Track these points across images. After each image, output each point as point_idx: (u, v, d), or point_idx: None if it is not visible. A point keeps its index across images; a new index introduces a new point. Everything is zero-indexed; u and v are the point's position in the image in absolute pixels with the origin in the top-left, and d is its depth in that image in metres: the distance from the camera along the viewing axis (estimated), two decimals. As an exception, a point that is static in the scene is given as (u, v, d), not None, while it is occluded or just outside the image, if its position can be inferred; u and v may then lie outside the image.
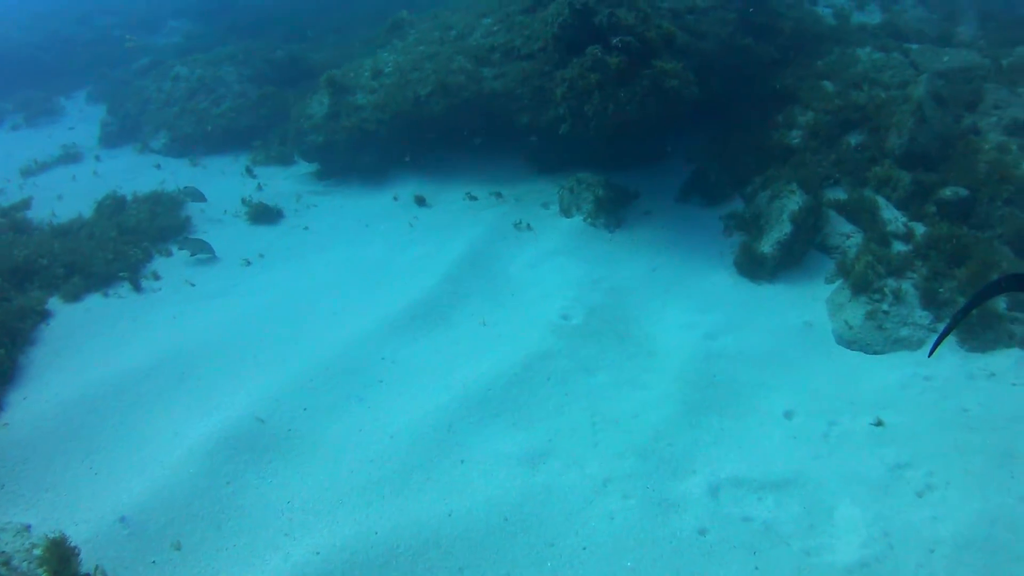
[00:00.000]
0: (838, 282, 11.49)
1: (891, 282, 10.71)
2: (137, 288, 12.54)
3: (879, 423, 9.00)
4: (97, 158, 20.22)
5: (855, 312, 10.64)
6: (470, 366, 10.14)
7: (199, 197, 15.33)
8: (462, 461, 8.64)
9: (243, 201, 15.51)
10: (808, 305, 11.41)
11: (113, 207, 15.24)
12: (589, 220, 13.66)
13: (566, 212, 13.98)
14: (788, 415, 9.27)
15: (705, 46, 14.17)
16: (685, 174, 14.81)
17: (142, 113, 21.19)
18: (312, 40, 25.09)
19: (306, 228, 14.61)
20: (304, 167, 17.36)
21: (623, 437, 8.95)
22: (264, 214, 15.05)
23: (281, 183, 17.05)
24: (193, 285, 12.70)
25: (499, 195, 14.93)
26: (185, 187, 15.68)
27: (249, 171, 17.95)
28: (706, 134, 15.40)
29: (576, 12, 12.70)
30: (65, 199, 16.73)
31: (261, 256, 13.62)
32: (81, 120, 23.63)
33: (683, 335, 10.79)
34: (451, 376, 9.97)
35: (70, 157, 20.37)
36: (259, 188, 16.61)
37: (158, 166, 18.93)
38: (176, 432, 9.00)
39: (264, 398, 9.41)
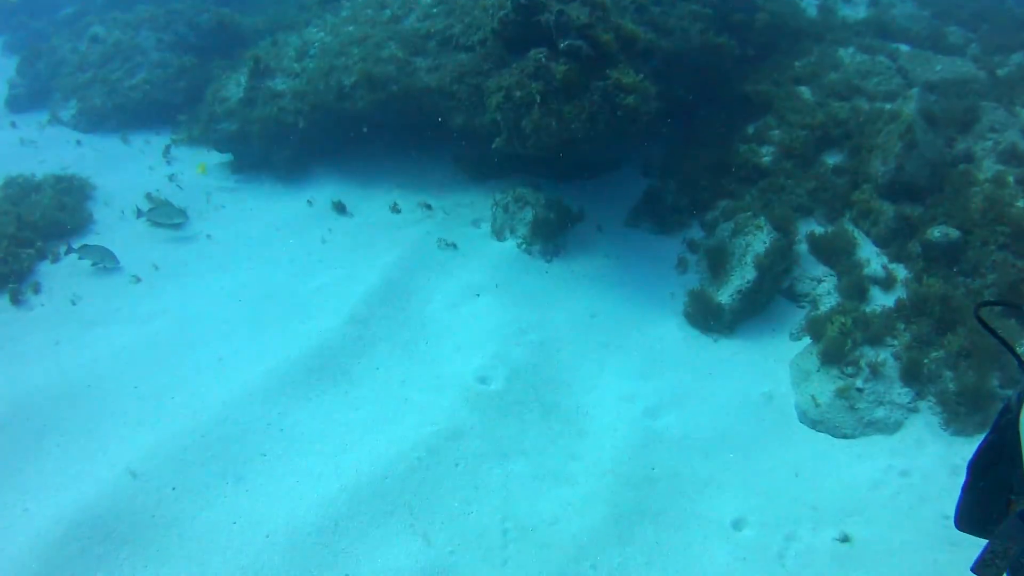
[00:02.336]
0: (805, 341, 9.96)
1: (868, 352, 9.21)
2: (16, 302, 11.10)
3: (845, 539, 7.65)
4: (13, 124, 17.86)
5: (823, 386, 9.17)
6: (367, 443, 8.65)
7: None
8: (346, 577, 7.09)
9: (147, 197, 13.74)
10: (769, 368, 9.92)
11: (19, 193, 13.52)
12: (524, 246, 11.99)
13: (498, 234, 12.32)
14: (737, 525, 7.85)
15: (671, 45, 12.42)
16: (639, 191, 13.16)
17: (53, 77, 19.03)
18: (255, 5, 22.72)
19: (209, 236, 12.85)
20: (216, 156, 15.45)
21: (538, 554, 7.50)
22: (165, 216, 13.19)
23: (191, 173, 15.13)
24: (74, 304, 11.12)
25: (428, 207, 13.21)
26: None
27: (167, 153, 15.96)
28: (666, 143, 13.63)
29: (520, 7, 10.91)
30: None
31: (155, 269, 11.93)
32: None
33: (620, 409, 9.26)
34: (344, 455, 8.50)
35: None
36: (170, 179, 14.70)
37: (79, 142, 16.81)
38: (25, 509, 7.72)
39: (129, 471, 8.06)
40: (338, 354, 9.88)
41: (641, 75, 10.59)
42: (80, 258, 11.86)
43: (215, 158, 15.36)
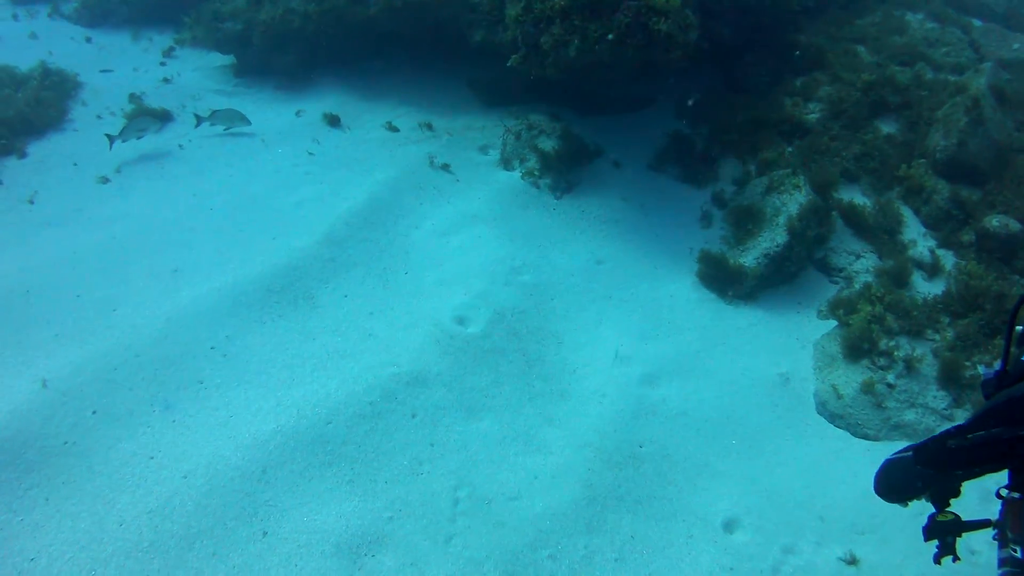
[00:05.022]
0: (834, 322, 8.64)
1: (905, 344, 7.89)
2: None
3: (852, 560, 6.42)
4: (15, 16, 17.02)
5: (849, 376, 7.94)
6: (316, 380, 7.53)
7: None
8: (264, 534, 6.17)
9: (130, 97, 12.61)
10: (790, 347, 8.66)
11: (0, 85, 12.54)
12: (532, 178, 10.71)
13: (506, 163, 11.08)
14: (729, 527, 6.67)
15: (720, -23, 11.01)
16: (668, 133, 11.76)
17: (59, -34, 17.92)
18: None
19: (191, 140, 11.70)
20: (219, 58, 14.30)
21: (490, 533, 6.36)
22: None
23: (190, 74, 14.08)
24: (32, 203, 10.12)
25: (433, 128, 11.96)
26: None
27: (169, 53, 15.01)
28: (705, 86, 12.26)
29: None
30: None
31: (126, 171, 10.87)
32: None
33: (613, 372, 8.04)
34: (288, 391, 7.39)
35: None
36: (165, 81, 13.59)
37: (88, 40, 15.81)
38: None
39: (49, 388, 7.11)
40: (304, 276, 8.75)
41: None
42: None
43: (219, 60, 14.19)
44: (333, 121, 12.18)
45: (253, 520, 6.22)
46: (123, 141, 11.17)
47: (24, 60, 13.19)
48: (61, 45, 15.12)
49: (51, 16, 17.02)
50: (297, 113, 12.52)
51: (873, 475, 4.27)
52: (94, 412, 6.96)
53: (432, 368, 7.70)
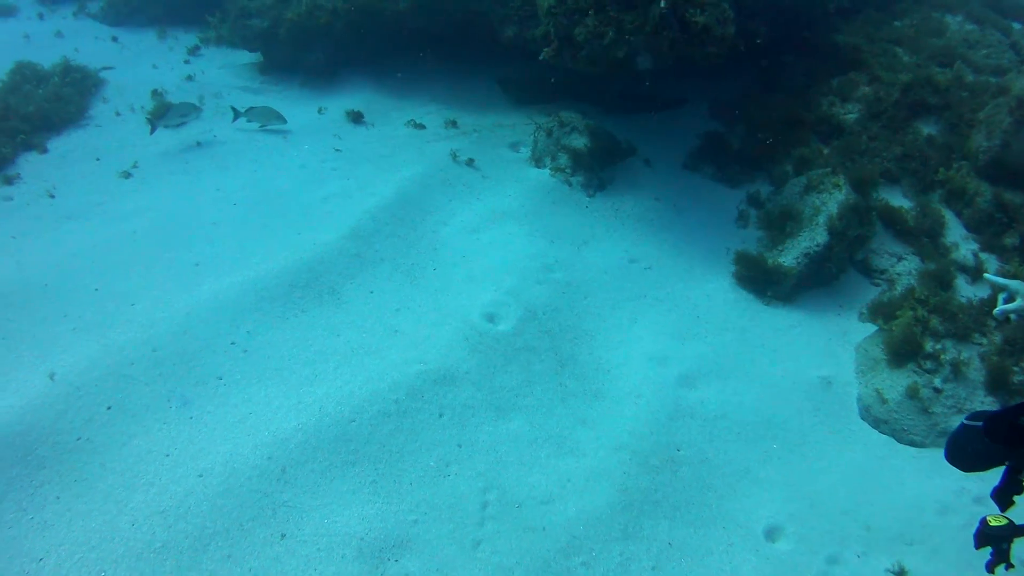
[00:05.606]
0: (877, 325, 8.31)
1: (951, 347, 7.53)
2: None
3: (901, 572, 6.07)
4: (41, 16, 17.09)
5: (894, 380, 7.59)
6: (340, 377, 7.23)
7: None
8: (283, 536, 5.87)
9: (153, 94, 12.43)
10: (832, 350, 8.33)
11: (21, 81, 12.36)
12: (563, 176, 10.42)
13: (538, 160, 10.80)
14: (771, 535, 6.33)
15: (756, -26, 10.69)
16: (703, 132, 11.51)
17: (88, -34, 17.90)
18: None
19: (215, 136, 11.52)
20: (246, 56, 14.12)
21: (520, 539, 6.05)
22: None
23: (216, 72, 13.92)
24: (53, 197, 9.88)
25: (462, 125, 11.75)
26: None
27: (194, 52, 14.92)
28: (740, 85, 11.96)
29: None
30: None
31: (149, 166, 10.67)
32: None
33: (649, 372, 7.72)
34: (310, 388, 7.09)
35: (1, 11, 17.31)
36: (189, 79, 13.42)
37: (115, 39, 15.71)
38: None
39: (63, 383, 6.82)
40: (329, 270, 8.49)
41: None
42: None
43: (245, 57, 14.05)
44: (359, 118, 11.95)
45: (271, 521, 5.94)
46: (165, 127, 11.15)
47: (49, 58, 13.00)
48: (86, 43, 15.04)
49: (76, 15, 17.02)
50: (320, 111, 12.29)
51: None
52: (109, 408, 6.69)
53: (461, 366, 7.41)
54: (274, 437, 6.52)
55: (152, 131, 11.06)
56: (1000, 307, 4.44)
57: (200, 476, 6.19)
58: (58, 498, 5.98)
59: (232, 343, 7.47)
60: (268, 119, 11.54)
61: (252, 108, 11.58)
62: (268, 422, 6.68)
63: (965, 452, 3.96)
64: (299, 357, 7.41)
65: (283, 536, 5.85)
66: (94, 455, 6.32)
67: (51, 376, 6.85)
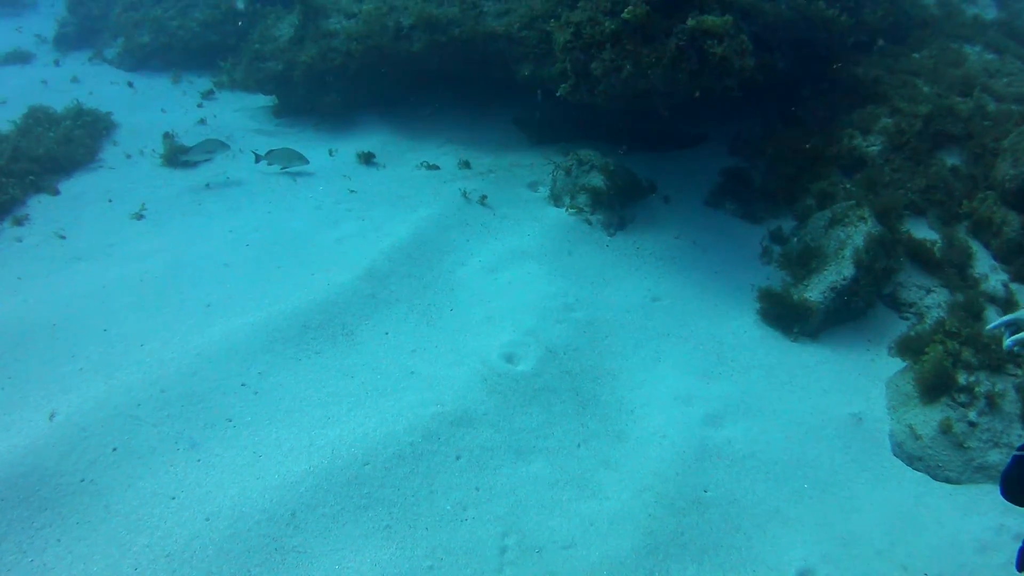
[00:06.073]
0: (907, 360, 8.05)
1: (985, 380, 7.24)
2: None
3: (941, 613, 5.66)
4: (57, 63, 17.30)
5: (927, 415, 7.30)
6: (353, 419, 6.99)
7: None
8: (292, 584, 5.46)
9: (164, 136, 12.30)
10: (861, 386, 8.05)
11: (33, 124, 12.37)
12: (583, 215, 10.23)
13: (556, 199, 10.64)
14: (805, 578, 5.91)
15: (774, 9, 10.53)
16: (723, 169, 11.38)
17: (105, 15, 18.16)
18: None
19: (228, 178, 11.43)
20: (261, 99, 14.10)
21: (541, 585, 5.66)
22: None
23: (230, 115, 13.92)
24: (64, 238, 9.81)
25: (481, 164, 11.67)
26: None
27: (208, 96, 14.89)
28: (760, 120, 11.79)
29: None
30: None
31: (158, 209, 10.57)
32: (51, 17, 20.14)
33: (674, 412, 7.45)
34: (323, 430, 6.86)
35: (17, 57, 17.59)
36: (201, 122, 13.36)
37: (130, 84, 15.82)
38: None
39: (68, 424, 6.62)
40: (344, 311, 8.30)
41: (730, 17, 8.74)
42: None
43: (259, 101, 14.02)
44: (373, 159, 11.87)
45: (280, 567, 5.69)
46: (190, 162, 11.22)
47: (64, 102, 13.11)
48: (102, 88, 15.15)
49: (92, 60, 17.21)
50: (331, 152, 12.22)
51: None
52: (114, 449, 6.50)
53: (478, 407, 7.17)
54: (284, 480, 6.28)
55: (177, 164, 11.24)
56: (1008, 341, 4.18)
57: (207, 520, 5.96)
58: (59, 540, 5.77)
59: (242, 384, 7.27)
60: (290, 160, 11.42)
61: (272, 150, 11.47)
62: (278, 465, 6.45)
63: (1017, 486, 3.73)
64: (311, 399, 7.20)
65: (293, 585, 5.59)
66: (98, 497, 6.12)
67: (55, 416, 6.69)
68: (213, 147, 11.45)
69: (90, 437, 6.57)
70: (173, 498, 6.15)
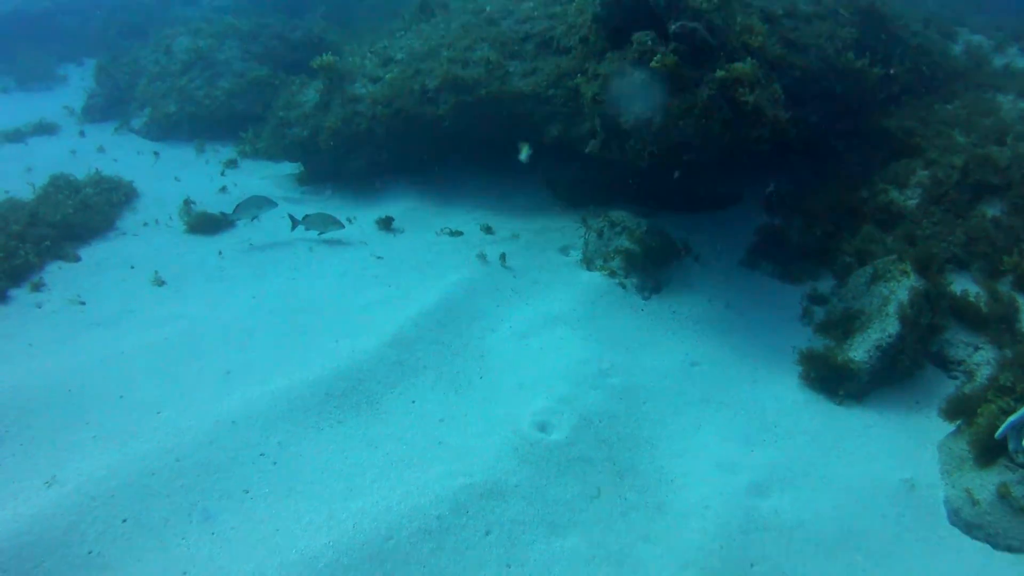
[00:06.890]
0: (959, 421, 7.61)
1: (1045, 441, 6.84)
2: (2, 299, 9.64)
3: None
4: (82, 134, 17.36)
5: (984, 479, 6.88)
6: (377, 491, 6.67)
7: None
8: None
9: (184, 203, 12.23)
10: (912, 450, 7.64)
11: (54, 191, 12.31)
12: (616, 278, 9.94)
13: (589, 263, 10.37)
14: (863, 658, 5.48)
15: (804, 62, 10.35)
16: (759, 228, 11.07)
17: (132, 86, 18.20)
18: (357, 23, 21.42)
19: (251, 244, 11.24)
20: (288, 167, 14.00)
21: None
22: (206, 223, 11.87)
23: (256, 182, 13.80)
24: (83, 304, 9.63)
25: (506, 229, 11.46)
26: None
27: (231, 165, 14.81)
28: (794, 176, 11.51)
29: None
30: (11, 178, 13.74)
31: (180, 275, 10.40)
32: (81, 90, 20.29)
33: (717, 481, 7.08)
34: (344, 503, 6.53)
35: (44, 128, 17.60)
36: (222, 190, 13.27)
37: (156, 153, 15.82)
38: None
39: (78, 492, 6.34)
40: (368, 379, 8.01)
41: (755, 61, 8.52)
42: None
43: (285, 169, 13.92)
44: (398, 224, 11.76)
45: (298, 651, 5.32)
46: (236, 220, 11.36)
47: (89, 171, 13.12)
48: (127, 157, 15.26)
49: (119, 131, 17.30)
50: (349, 220, 12.02)
51: None
52: (124, 520, 6.21)
53: (510, 479, 6.81)
54: (302, 556, 5.94)
55: (222, 222, 11.49)
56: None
57: (220, 601, 5.60)
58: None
59: (261, 454, 6.98)
60: (326, 226, 11.25)
61: (308, 216, 11.30)
62: (296, 539, 6.11)
63: None
64: (333, 470, 6.89)
65: None
66: (104, 571, 5.82)
67: (64, 484, 6.41)
68: (260, 203, 11.39)
69: (100, 507, 6.29)
70: (184, 573, 5.83)
